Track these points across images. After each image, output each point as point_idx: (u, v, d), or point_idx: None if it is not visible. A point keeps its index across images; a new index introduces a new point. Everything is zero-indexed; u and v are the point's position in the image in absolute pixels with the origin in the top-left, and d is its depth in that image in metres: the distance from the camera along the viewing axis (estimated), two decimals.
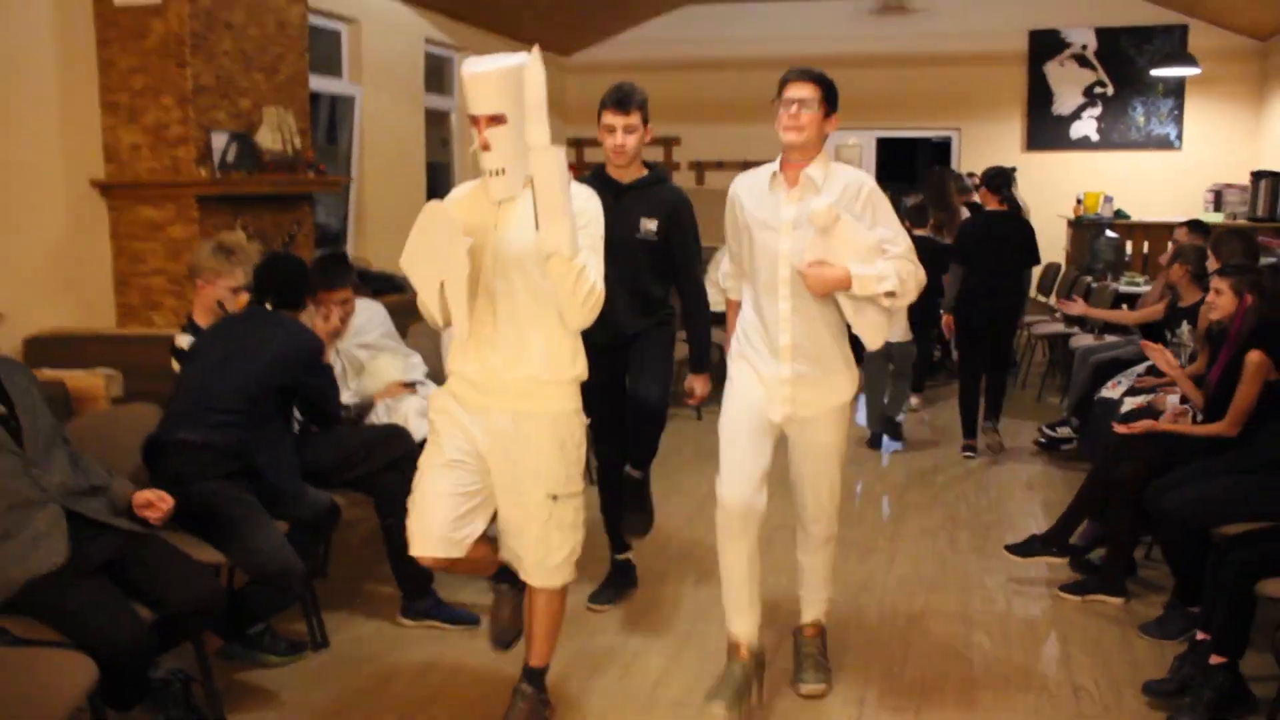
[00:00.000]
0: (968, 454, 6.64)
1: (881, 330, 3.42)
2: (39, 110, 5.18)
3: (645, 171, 4.05)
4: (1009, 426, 7.10)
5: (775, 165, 3.42)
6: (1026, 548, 4.63)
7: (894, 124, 11.35)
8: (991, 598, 4.45)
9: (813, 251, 3.28)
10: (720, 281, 3.85)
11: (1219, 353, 4.46)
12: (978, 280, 6.52)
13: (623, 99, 3.86)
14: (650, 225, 3.97)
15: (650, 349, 4.09)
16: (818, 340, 3.41)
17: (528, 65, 2.91)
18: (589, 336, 3.47)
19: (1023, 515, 5.49)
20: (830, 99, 3.34)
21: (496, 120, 2.93)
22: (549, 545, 3.12)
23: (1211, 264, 5.20)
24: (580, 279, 2.91)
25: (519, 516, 3.12)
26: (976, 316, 6.58)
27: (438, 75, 9.32)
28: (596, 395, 3.68)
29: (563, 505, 3.11)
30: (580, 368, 3.15)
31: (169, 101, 5.45)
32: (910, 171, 13.52)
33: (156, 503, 3.22)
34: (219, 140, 5.52)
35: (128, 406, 4.07)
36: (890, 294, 3.29)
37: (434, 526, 3.07)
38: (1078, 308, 6.67)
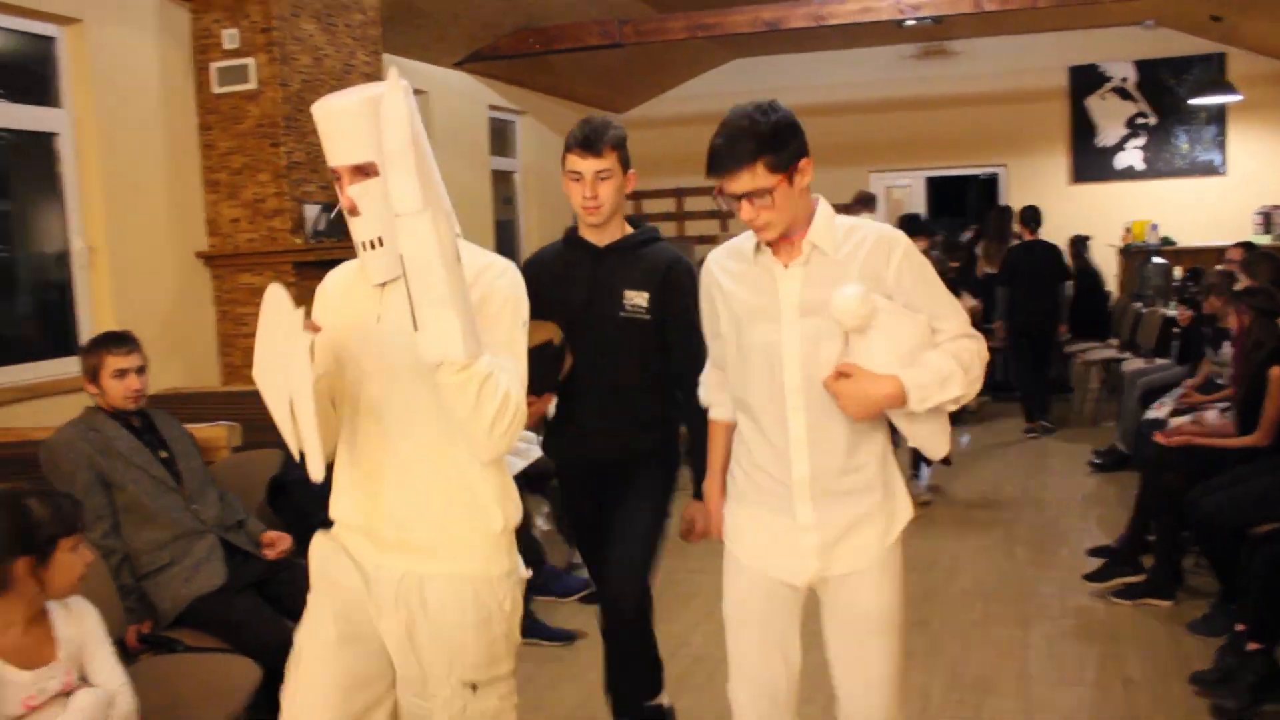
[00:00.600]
0: (1029, 434, 8.22)
1: (944, 436, 2.46)
2: (149, 191, 5.69)
3: (628, 230, 3.12)
4: (1065, 449, 7.64)
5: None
6: (1104, 574, 4.84)
7: (942, 163, 11.66)
8: (1046, 604, 4.74)
9: (853, 354, 2.33)
10: (702, 395, 2.70)
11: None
12: (1021, 295, 8.18)
13: (590, 137, 2.94)
14: (639, 299, 3.03)
15: (633, 511, 3.09)
16: (849, 463, 2.40)
17: (384, 97, 2.00)
18: (559, 457, 3.26)
19: (1077, 531, 5.76)
20: (784, 159, 2.26)
21: (363, 172, 2.17)
22: None
23: (1243, 284, 5.49)
24: (484, 392, 2.04)
25: (422, 713, 2.29)
26: (1020, 324, 8.25)
27: (501, 137, 9.84)
28: (580, 524, 3.34)
29: (485, 695, 2.27)
30: (513, 511, 2.30)
31: (265, 178, 5.95)
32: (961, 208, 13.80)
33: (277, 542, 3.71)
34: (311, 211, 6.00)
35: (249, 453, 4.51)
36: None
37: None
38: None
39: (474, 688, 2.25)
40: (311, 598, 2.38)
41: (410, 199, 1.96)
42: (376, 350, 2.23)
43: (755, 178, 2.26)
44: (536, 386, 2.56)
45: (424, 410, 2.19)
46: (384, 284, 2.23)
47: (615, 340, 3.03)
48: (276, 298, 2.18)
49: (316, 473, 2.15)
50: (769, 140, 2.25)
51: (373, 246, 2.20)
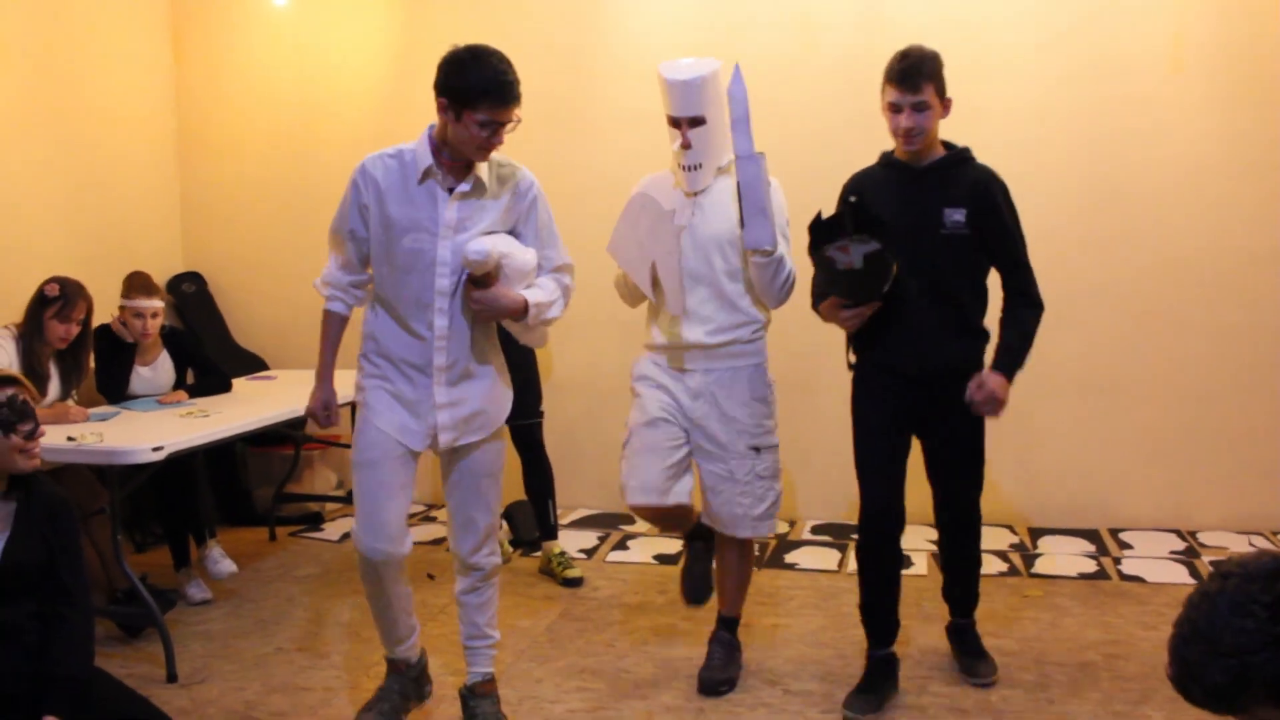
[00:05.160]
0: None
1: (543, 338, 3.34)
2: None
3: (941, 152, 3.43)
4: None
5: (418, 151, 3.04)
6: None
7: None
8: None
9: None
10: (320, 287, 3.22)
11: None
12: None
13: (907, 72, 3.26)
14: (957, 216, 3.35)
15: (966, 426, 3.47)
16: (476, 357, 3.14)
17: (732, 82, 3.31)
18: (888, 363, 3.43)
19: None
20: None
21: (698, 121, 3.36)
22: (752, 496, 3.54)
23: None
24: (779, 270, 3.40)
25: (721, 471, 3.54)
26: None
27: None
28: (876, 430, 3.48)
29: (765, 455, 3.56)
30: (767, 314, 3.60)
31: None
32: None
33: None
34: None
35: None
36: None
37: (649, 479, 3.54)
38: None
39: (757, 450, 3.56)
40: (640, 391, 3.62)
41: (749, 147, 3.31)
42: (689, 235, 3.46)
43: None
44: (863, 295, 3.29)
45: (715, 271, 3.46)
46: (696, 193, 3.47)
47: (938, 254, 3.35)
48: (647, 198, 3.49)
49: (674, 307, 3.46)
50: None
51: (695, 169, 3.43)
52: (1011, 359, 3.40)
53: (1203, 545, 5.10)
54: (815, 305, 3.50)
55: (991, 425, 3.52)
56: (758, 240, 3.32)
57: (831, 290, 3.35)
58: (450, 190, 3.02)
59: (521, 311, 3.05)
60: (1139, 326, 5.34)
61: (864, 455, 3.49)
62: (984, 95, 5.19)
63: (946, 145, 3.44)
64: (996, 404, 3.36)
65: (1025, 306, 3.45)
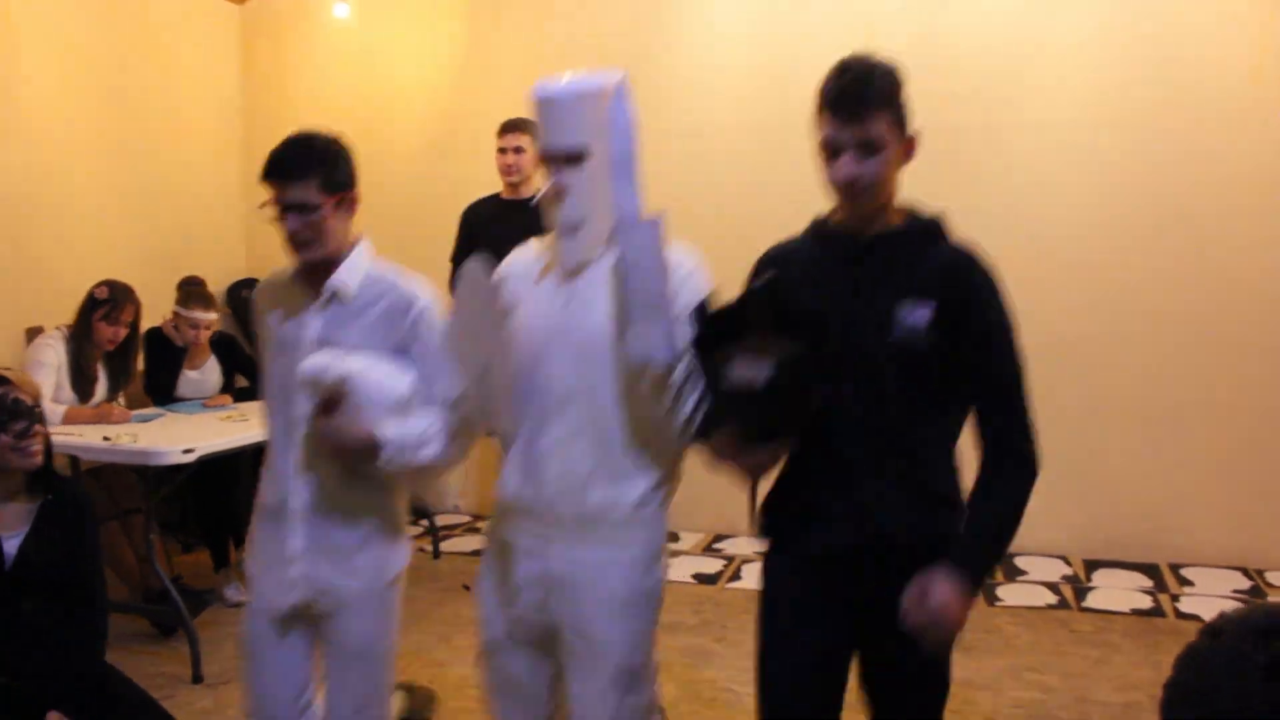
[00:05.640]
0: None
1: (438, 491, 2.58)
2: None
3: (899, 219, 2.10)
4: None
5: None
6: None
7: None
8: None
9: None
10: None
11: None
12: None
13: (849, 94, 1.98)
14: (916, 316, 2.02)
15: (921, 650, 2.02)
16: (345, 499, 2.45)
17: (612, 102, 2.16)
18: (814, 534, 2.11)
19: None
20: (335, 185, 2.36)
21: (576, 158, 2.15)
22: None
23: None
24: (678, 397, 2.13)
25: (582, 699, 2.24)
26: None
27: None
28: (791, 654, 2.15)
29: (638, 689, 2.24)
30: (675, 471, 2.31)
31: None
32: None
33: None
34: None
35: None
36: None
37: None
38: None
39: (631, 675, 2.25)
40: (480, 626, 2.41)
41: (636, 206, 2.15)
42: (559, 333, 2.22)
43: (301, 192, 2.35)
44: (768, 428, 2.01)
45: (595, 392, 2.20)
46: (574, 271, 2.24)
47: (883, 375, 2.05)
48: (476, 275, 2.17)
49: (509, 442, 2.28)
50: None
51: (573, 232, 2.20)
52: (982, 552, 2.04)
53: (1270, 585, 4.88)
54: (703, 435, 2.12)
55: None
56: (645, 350, 2.09)
57: (722, 417, 2.04)
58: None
59: (370, 450, 2.31)
60: (1204, 350, 5.14)
61: (771, 691, 2.17)
62: (1040, 106, 5.04)
63: (908, 212, 2.13)
64: (944, 628, 1.98)
65: (1013, 467, 2.04)
